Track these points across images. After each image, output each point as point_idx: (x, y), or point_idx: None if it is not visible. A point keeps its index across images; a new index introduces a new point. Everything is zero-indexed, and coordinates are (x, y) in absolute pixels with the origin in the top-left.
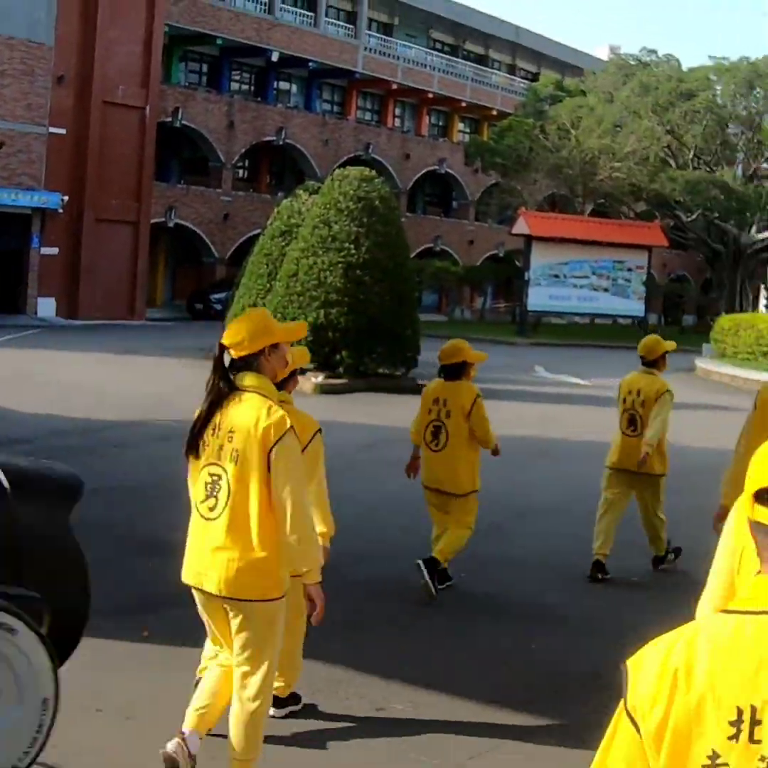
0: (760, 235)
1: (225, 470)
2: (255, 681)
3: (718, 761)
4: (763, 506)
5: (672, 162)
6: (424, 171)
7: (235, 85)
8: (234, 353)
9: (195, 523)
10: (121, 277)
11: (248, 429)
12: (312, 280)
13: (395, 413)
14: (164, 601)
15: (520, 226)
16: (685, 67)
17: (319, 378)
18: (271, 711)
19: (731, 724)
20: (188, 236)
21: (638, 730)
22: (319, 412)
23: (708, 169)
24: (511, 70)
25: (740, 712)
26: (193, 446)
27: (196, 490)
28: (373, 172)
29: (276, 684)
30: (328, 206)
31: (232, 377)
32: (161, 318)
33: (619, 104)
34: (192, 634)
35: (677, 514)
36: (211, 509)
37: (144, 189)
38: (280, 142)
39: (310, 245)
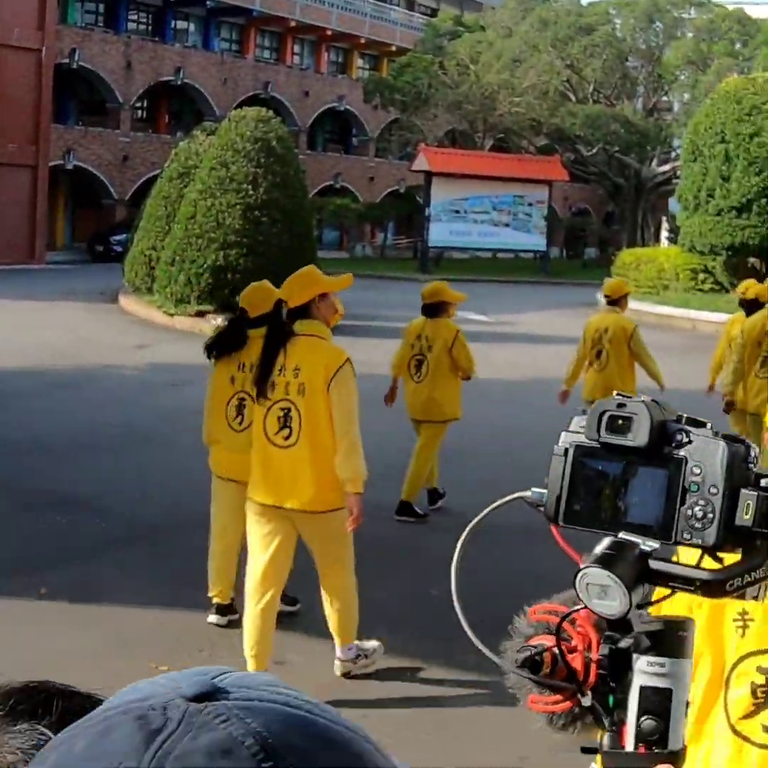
0: (661, 169)
1: (294, 403)
2: (339, 580)
3: (747, 617)
4: None
5: (572, 96)
6: (323, 108)
7: (132, 25)
8: (289, 304)
9: (267, 452)
10: (20, 221)
11: (311, 366)
12: (210, 221)
13: None
14: (66, 557)
15: (420, 162)
16: (584, 1)
17: (219, 320)
18: (213, 619)
19: None
20: (87, 178)
21: None
22: None
23: (608, 103)
24: (411, 5)
25: None
26: (262, 388)
27: (268, 423)
28: (271, 113)
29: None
30: (225, 147)
31: (289, 325)
32: (62, 261)
33: (518, 39)
34: (89, 591)
35: None
36: (286, 438)
37: (42, 132)
38: (179, 82)
39: (207, 187)
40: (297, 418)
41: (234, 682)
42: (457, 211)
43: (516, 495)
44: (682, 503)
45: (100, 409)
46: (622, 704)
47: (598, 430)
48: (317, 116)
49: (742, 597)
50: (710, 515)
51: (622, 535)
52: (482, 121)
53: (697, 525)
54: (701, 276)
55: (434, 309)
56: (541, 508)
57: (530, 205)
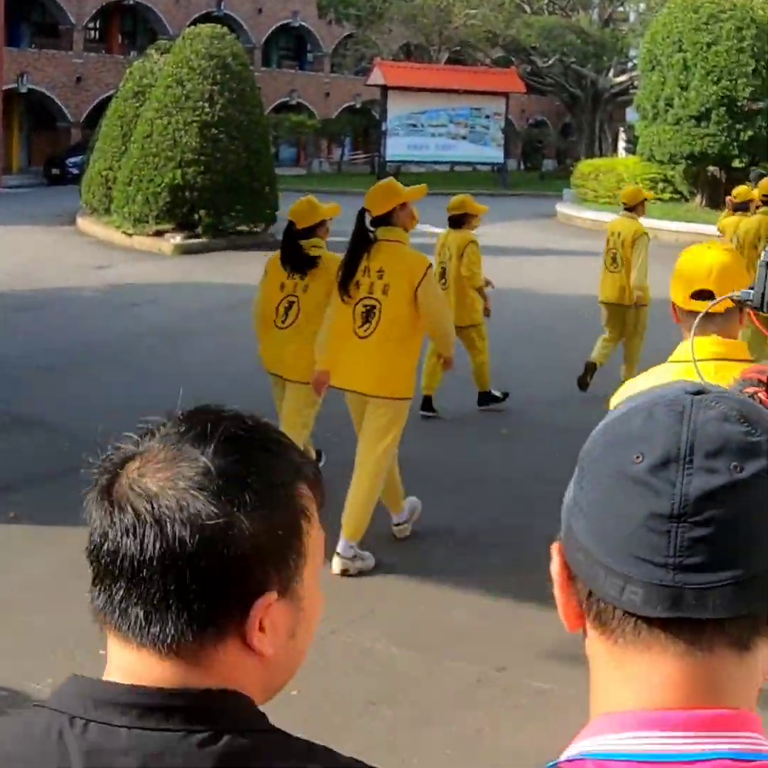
0: (618, 79)
1: (378, 301)
2: (374, 467)
3: None
4: (698, 300)
5: (527, 8)
6: (277, 24)
7: None
8: (373, 213)
9: (349, 343)
10: None
11: (395, 269)
12: (167, 140)
13: (256, 270)
14: (33, 479)
15: (376, 77)
16: None
17: (178, 238)
18: None
19: None
20: (42, 101)
21: None
22: (180, 273)
23: (563, 14)
24: None
25: None
26: (346, 288)
27: (354, 316)
28: (225, 29)
29: None
30: (180, 65)
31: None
32: (18, 185)
33: None
34: (58, 512)
35: None
36: (366, 331)
37: None
38: (131, 1)
39: (163, 105)
40: (377, 314)
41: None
42: (414, 125)
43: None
44: None
45: (61, 331)
46: None
47: None
48: (271, 33)
49: None
50: None
51: None
52: (437, 34)
53: None
54: (660, 185)
55: (458, 221)
56: (749, 303)
57: (487, 117)
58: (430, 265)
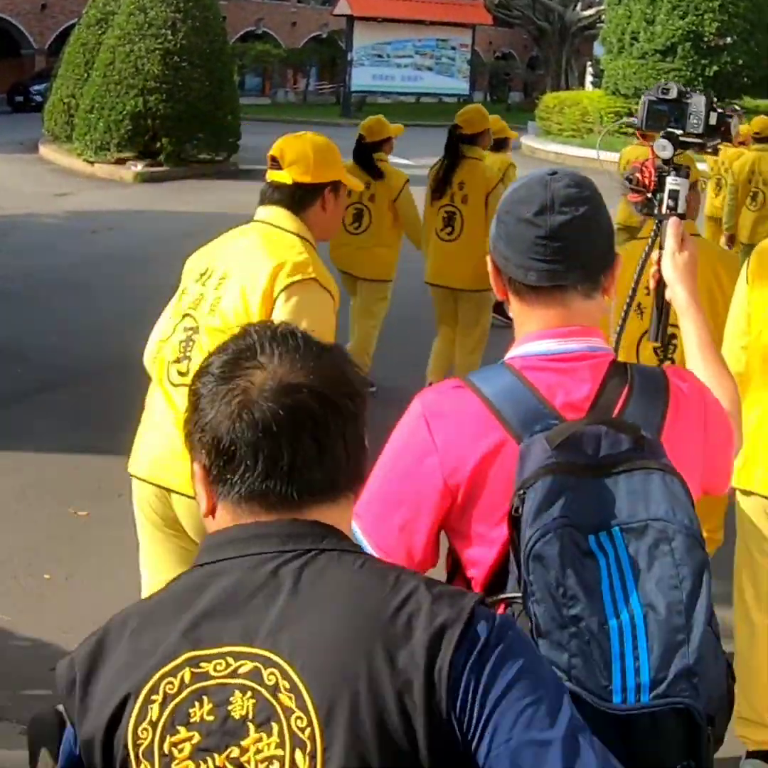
0: (585, 13)
1: (458, 209)
2: (474, 343)
3: None
4: None
5: None
6: None
7: None
8: (464, 131)
9: (435, 244)
10: None
11: (473, 182)
12: (129, 68)
13: (217, 199)
14: None
15: (342, 6)
16: None
17: (140, 166)
18: None
19: None
20: (6, 28)
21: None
22: (141, 201)
23: None
24: None
25: None
26: (436, 194)
27: (437, 223)
28: None
29: None
30: None
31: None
32: None
33: None
34: (8, 438)
35: None
36: (449, 234)
37: None
38: None
39: (126, 33)
40: (459, 220)
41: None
42: (380, 56)
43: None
44: None
45: (20, 257)
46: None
47: None
48: None
49: None
50: None
51: None
52: None
53: None
54: (625, 119)
55: (498, 144)
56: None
57: (453, 48)
58: (502, 177)
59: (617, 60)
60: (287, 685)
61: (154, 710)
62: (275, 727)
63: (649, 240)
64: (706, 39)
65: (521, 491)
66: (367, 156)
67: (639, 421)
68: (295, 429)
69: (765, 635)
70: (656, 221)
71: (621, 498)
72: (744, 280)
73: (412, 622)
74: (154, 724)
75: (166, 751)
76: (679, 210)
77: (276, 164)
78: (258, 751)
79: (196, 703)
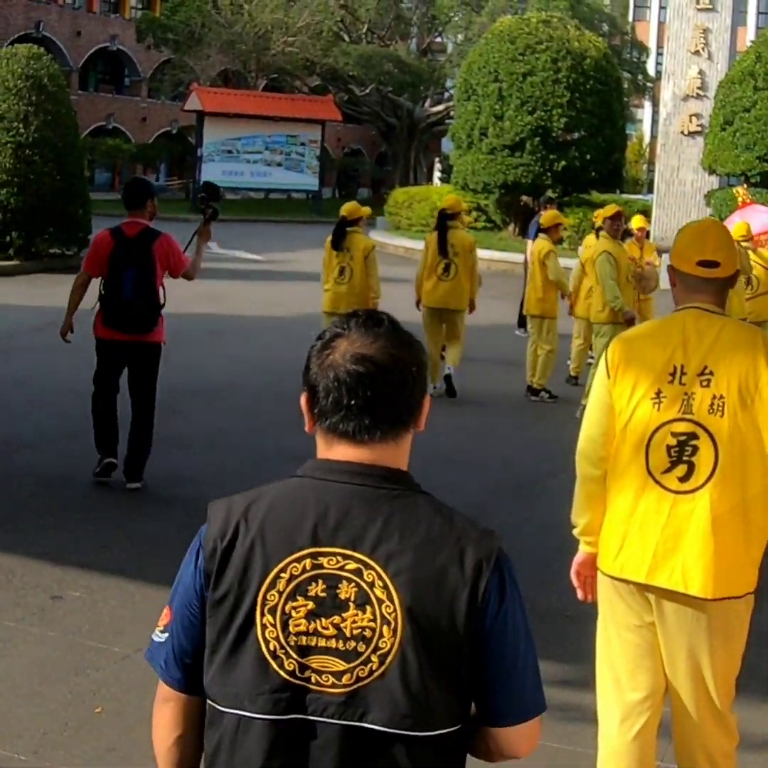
0: (434, 109)
1: (453, 261)
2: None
3: (661, 396)
4: (706, 267)
5: (345, 36)
6: (95, 48)
7: None
8: (449, 212)
9: (433, 280)
10: None
11: (460, 243)
12: None
13: (66, 292)
14: None
15: (193, 102)
16: None
17: None
18: None
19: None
20: None
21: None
22: None
23: (382, 43)
24: None
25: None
26: (442, 252)
27: (439, 267)
28: (42, 50)
29: None
30: None
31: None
32: None
33: None
34: None
35: None
36: (448, 277)
37: None
38: None
39: None
40: (454, 270)
41: None
42: (230, 151)
43: None
44: None
45: None
46: None
47: None
48: (89, 56)
49: None
50: None
51: None
52: (255, 61)
53: None
54: (474, 214)
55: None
56: None
57: (303, 144)
58: (474, 242)
59: (466, 155)
60: (381, 584)
61: (281, 583)
62: (369, 609)
63: None
64: (554, 134)
65: None
66: (343, 231)
67: None
68: (363, 386)
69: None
70: None
71: None
72: (604, 372)
73: (464, 550)
74: (280, 592)
75: (287, 611)
76: None
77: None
78: (354, 622)
79: (313, 583)
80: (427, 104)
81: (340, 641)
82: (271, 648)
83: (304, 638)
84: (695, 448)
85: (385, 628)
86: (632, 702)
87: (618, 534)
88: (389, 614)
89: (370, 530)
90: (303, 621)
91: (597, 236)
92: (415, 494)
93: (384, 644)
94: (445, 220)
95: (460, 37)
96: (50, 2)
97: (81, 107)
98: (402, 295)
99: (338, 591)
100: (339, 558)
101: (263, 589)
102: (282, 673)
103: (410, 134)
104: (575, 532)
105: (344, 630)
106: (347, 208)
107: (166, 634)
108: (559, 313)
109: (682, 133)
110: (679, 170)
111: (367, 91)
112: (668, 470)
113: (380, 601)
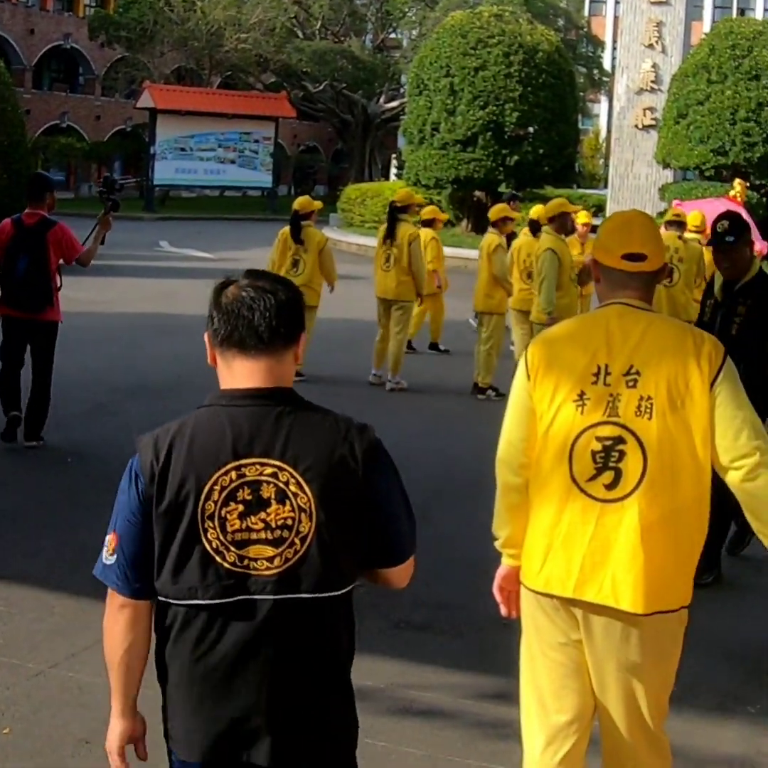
0: (389, 105)
1: (392, 254)
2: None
3: (585, 397)
4: (632, 261)
5: (299, 33)
6: (49, 46)
7: None
8: (398, 205)
9: (380, 271)
10: None
11: (403, 234)
12: None
13: None
14: None
15: (146, 100)
16: None
17: None
18: None
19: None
20: None
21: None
22: None
23: (336, 39)
24: None
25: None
26: (385, 241)
27: (382, 259)
28: None
29: None
30: None
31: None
32: None
33: None
34: None
35: None
36: (388, 268)
37: None
38: None
39: None
40: (394, 261)
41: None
42: (183, 149)
43: None
44: None
45: None
46: None
47: None
48: (43, 54)
49: None
50: None
51: None
52: (209, 58)
53: None
54: None
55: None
56: None
57: (256, 142)
58: (419, 235)
59: (418, 151)
60: (294, 482)
61: (215, 493)
62: (288, 503)
63: None
64: (506, 129)
65: None
66: (298, 224)
67: None
68: (251, 309)
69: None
70: None
71: None
72: (524, 373)
73: (353, 445)
74: (215, 502)
75: (223, 515)
76: None
77: None
78: (277, 515)
79: (241, 490)
80: (381, 100)
81: (268, 532)
82: (214, 546)
83: (239, 534)
84: (622, 454)
85: (302, 515)
86: (558, 725)
87: (541, 546)
88: (305, 504)
89: (278, 440)
90: (237, 521)
91: (533, 234)
92: (305, 408)
93: (303, 528)
94: (395, 212)
95: (414, 32)
96: (3, 0)
97: (34, 106)
98: (354, 293)
99: (261, 492)
100: (257, 466)
101: (201, 500)
102: (225, 565)
103: (365, 130)
104: (497, 544)
105: (270, 523)
106: (300, 202)
107: (115, 556)
108: (507, 309)
109: (636, 126)
110: (633, 164)
111: (322, 87)
112: (594, 477)
113: (295, 495)
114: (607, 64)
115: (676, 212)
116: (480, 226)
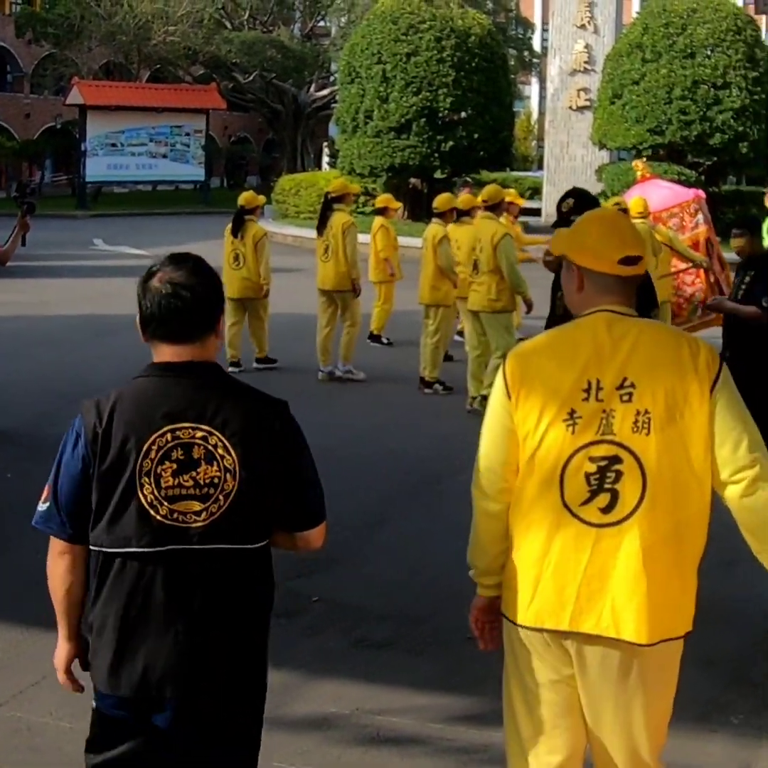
0: (319, 93)
1: (330, 243)
2: (355, 313)
3: (576, 416)
4: (627, 266)
5: (228, 24)
6: None
7: None
8: (332, 195)
9: (322, 260)
10: None
11: (337, 223)
12: None
13: None
14: None
15: (75, 96)
16: None
17: None
18: None
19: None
20: None
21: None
22: None
23: (264, 29)
24: None
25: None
26: (320, 232)
27: (321, 250)
28: None
29: None
30: None
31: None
32: None
33: None
34: None
35: None
36: (327, 258)
37: None
38: None
39: None
40: (331, 251)
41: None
42: (114, 145)
43: None
44: None
45: None
46: None
47: None
48: None
49: None
50: None
51: None
52: (137, 52)
53: None
54: (362, 198)
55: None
56: None
57: (188, 135)
58: (353, 224)
59: (352, 139)
60: (221, 445)
61: (153, 452)
62: (215, 463)
63: None
64: (441, 114)
65: None
66: (241, 219)
67: None
68: (173, 300)
69: None
70: None
71: None
72: (503, 391)
73: (273, 418)
74: (152, 460)
75: (158, 473)
76: None
77: None
78: (206, 474)
79: (174, 450)
80: (312, 89)
81: (197, 489)
82: (149, 500)
83: (171, 490)
84: (619, 474)
85: (228, 475)
86: (549, 765)
87: (529, 579)
88: (229, 465)
89: (208, 408)
90: (170, 478)
91: (457, 219)
92: (231, 382)
93: (227, 487)
94: (329, 203)
95: (343, 19)
96: None
97: None
98: (291, 284)
99: (192, 453)
100: (190, 430)
101: (140, 459)
102: (158, 517)
103: (296, 120)
104: (472, 574)
105: (199, 480)
106: (245, 197)
107: (48, 503)
108: (452, 302)
109: (571, 108)
110: (568, 146)
111: (251, 78)
112: (588, 501)
113: (222, 457)
114: (537, 46)
115: (616, 201)
116: (416, 213)
